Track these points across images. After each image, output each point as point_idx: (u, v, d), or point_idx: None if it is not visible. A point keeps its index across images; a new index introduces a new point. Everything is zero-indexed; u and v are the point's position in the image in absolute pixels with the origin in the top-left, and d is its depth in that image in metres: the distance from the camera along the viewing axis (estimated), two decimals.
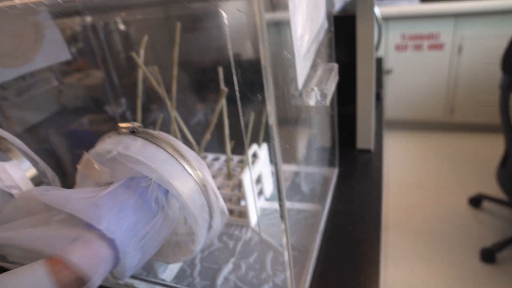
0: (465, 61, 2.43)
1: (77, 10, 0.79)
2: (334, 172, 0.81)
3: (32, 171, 0.52)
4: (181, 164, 0.37)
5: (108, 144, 0.37)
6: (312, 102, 0.47)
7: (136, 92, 0.78)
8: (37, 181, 0.51)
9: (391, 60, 2.58)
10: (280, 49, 0.37)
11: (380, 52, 2.54)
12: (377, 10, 1.30)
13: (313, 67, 0.52)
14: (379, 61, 1.53)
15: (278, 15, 0.38)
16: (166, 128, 0.75)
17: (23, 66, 0.73)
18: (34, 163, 0.51)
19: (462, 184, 2.18)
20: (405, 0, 2.54)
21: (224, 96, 0.58)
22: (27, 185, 0.48)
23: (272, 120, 0.38)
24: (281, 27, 0.37)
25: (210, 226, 0.40)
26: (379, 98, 1.14)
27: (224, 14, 0.31)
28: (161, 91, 0.67)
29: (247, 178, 0.65)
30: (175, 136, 0.73)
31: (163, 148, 0.37)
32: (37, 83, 0.81)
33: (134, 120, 0.68)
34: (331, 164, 0.81)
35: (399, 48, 2.51)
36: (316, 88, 0.46)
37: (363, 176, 0.80)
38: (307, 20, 0.43)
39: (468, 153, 2.47)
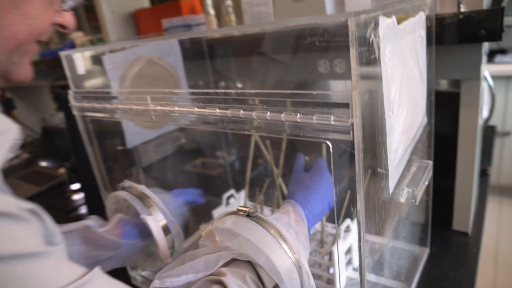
0: None
1: None
2: (425, 252, 0.82)
3: (163, 222, 0.65)
4: (282, 247, 0.46)
5: (230, 224, 0.48)
6: (402, 200, 0.52)
7: (248, 155, 0.90)
8: (166, 231, 0.65)
9: (510, 121, 2.39)
10: (375, 166, 0.44)
11: (498, 112, 2.37)
12: (489, 78, 1.25)
13: (407, 163, 0.57)
14: (491, 130, 1.45)
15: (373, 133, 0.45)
16: (270, 191, 0.85)
17: (160, 129, 0.91)
18: (167, 217, 0.65)
19: None
20: None
21: None
22: (161, 236, 0.62)
23: (361, 207, 0.45)
24: (379, 145, 0.44)
25: None
26: (484, 174, 1.09)
27: (330, 144, 0.39)
28: (271, 161, 0.78)
29: (338, 250, 0.71)
30: (278, 200, 0.82)
31: (269, 232, 0.46)
32: (167, 141, 1.00)
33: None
34: (422, 242, 0.82)
35: None
36: (407, 189, 0.52)
37: (457, 261, 0.79)
38: (403, 133, 0.50)
39: None
